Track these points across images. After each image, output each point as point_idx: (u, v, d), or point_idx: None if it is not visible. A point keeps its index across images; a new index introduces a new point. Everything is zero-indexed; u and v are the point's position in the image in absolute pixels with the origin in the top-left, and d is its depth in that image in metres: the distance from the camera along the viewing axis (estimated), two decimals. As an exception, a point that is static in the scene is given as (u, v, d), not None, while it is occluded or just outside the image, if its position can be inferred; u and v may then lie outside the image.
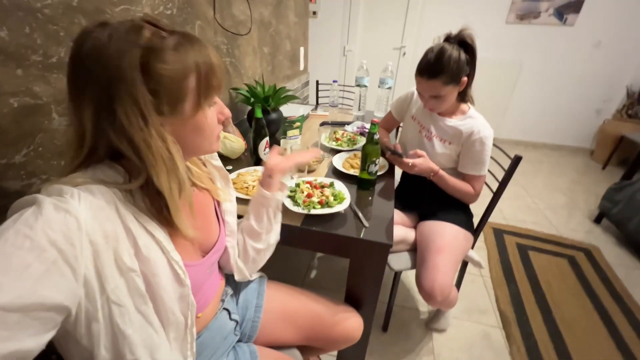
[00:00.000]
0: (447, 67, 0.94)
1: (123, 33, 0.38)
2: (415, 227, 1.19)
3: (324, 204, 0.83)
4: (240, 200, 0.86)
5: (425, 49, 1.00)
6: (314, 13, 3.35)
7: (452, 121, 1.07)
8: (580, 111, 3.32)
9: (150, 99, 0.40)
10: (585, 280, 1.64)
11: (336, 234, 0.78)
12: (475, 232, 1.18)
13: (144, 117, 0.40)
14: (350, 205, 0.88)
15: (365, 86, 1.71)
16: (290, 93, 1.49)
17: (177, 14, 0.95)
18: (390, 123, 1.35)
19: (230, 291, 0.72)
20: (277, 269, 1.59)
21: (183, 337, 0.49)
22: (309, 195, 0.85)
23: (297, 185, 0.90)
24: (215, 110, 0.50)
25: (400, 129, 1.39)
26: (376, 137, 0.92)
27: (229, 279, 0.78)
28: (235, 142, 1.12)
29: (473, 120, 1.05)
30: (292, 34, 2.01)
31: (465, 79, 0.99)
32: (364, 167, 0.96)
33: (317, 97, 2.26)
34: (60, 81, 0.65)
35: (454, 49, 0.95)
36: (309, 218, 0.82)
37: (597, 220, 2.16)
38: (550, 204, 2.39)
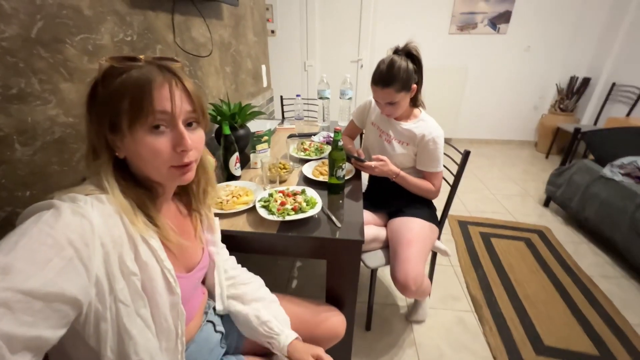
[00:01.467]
0: (398, 76, 1.05)
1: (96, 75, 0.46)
2: (385, 225, 1.27)
3: (297, 210, 0.87)
4: (216, 215, 0.88)
5: (379, 61, 1.11)
6: (273, 32, 3.46)
7: (407, 124, 1.18)
8: (520, 108, 3.70)
9: (87, 113, 0.47)
10: (541, 259, 1.81)
11: (312, 236, 0.83)
12: (440, 224, 1.28)
13: (88, 123, 0.47)
14: (322, 209, 0.94)
15: (327, 98, 1.80)
16: (255, 109, 1.54)
17: (138, 40, 0.97)
18: (353, 131, 1.44)
19: (213, 304, 0.73)
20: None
21: (174, 347, 0.51)
22: (282, 204, 0.89)
23: (271, 195, 0.94)
24: (171, 139, 0.47)
25: (363, 135, 1.48)
26: (340, 144, 0.99)
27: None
28: (207, 159, 1.14)
29: (425, 122, 1.16)
30: (252, 53, 2.07)
31: (414, 86, 1.10)
32: (332, 172, 1.02)
33: (283, 112, 2.32)
34: (21, 112, 0.65)
35: (402, 60, 1.06)
36: (284, 225, 0.86)
37: (546, 204, 2.40)
38: (505, 194, 2.61)
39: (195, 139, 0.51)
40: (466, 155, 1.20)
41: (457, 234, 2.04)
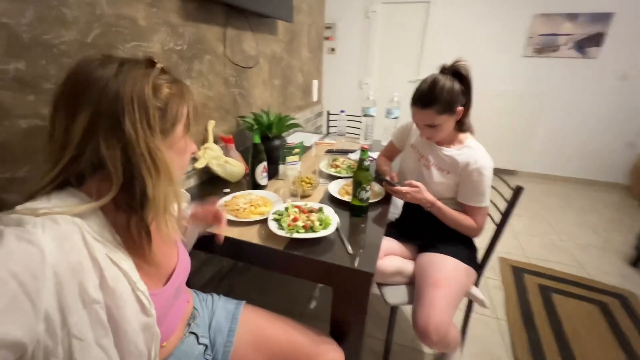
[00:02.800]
0: (440, 97, 0.95)
1: (133, 63, 0.46)
2: (414, 259, 1.13)
3: (308, 228, 0.82)
4: (229, 222, 0.88)
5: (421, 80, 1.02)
6: (333, 49, 3.55)
7: (450, 150, 1.05)
8: (610, 145, 3.13)
9: (157, 115, 0.45)
10: (619, 331, 1.44)
11: (317, 259, 0.76)
12: (480, 268, 1.10)
13: (150, 129, 0.45)
14: (337, 231, 0.87)
15: (372, 116, 1.74)
16: (297, 121, 1.55)
17: (187, 50, 1.05)
18: (392, 152, 1.35)
19: (198, 314, 0.71)
20: (275, 298, 1.55)
21: None
22: (294, 219, 0.85)
23: (286, 208, 0.91)
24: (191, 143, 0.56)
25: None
26: (366, 163, 0.92)
27: (201, 302, 0.77)
28: (236, 167, 1.16)
29: (471, 150, 1.03)
30: (305, 68, 2.13)
31: (460, 108, 0.98)
32: (355, 193, 0.95)
33: (328, 127, 2.32)
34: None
35: (447, 80, 0.96)
36: (292, 242, 0.81)
37: (634, 263, 1.94)
38: (579, 243, 2.19)
39: None
40: (517, 191, 1.02)
41: (508, 281, 1.75)
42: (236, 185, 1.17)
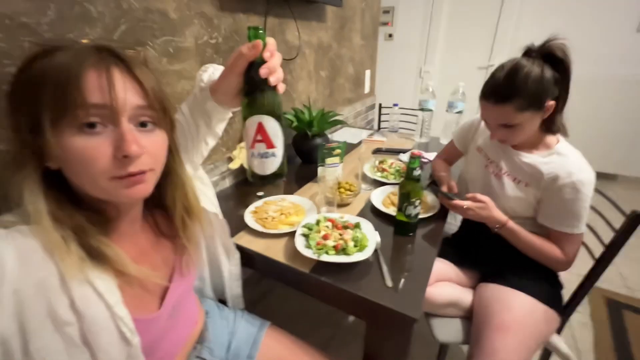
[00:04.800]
0: (523, 89, 0.72)
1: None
2: (474, 289, 0.93)
3: (339, 250, 0.70)
4: (255, 233, 0.80)
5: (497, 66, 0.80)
6: (390, 35, 3.27)
7: (531, 157, 0.82)
8: None
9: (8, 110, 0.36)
10: None
11: (347, 290, 0.64)
12: (565, 309, 0.86)
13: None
14: (376, 253, 0.73)
15: (430, 110, 1.51)
16: (342, 117, 1.42)
17: (223, 42, 0.98)
18: (452, 154, 1.13)
19: (208, 337, 0.64)
20: (304, 313, 1.45)
21: None
22: (325, 237, 0.72)
23: (318, 221, 0.79)
24: (110, 142, 0.37)
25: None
26: (416, 173, 0.75)
27: (222, 318, 0.71)
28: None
29: (562, 158, 0.78)
30: (356, 57, 1.96)
31: (552, 102, 0.74)
32: (400, 207, 0.79)
33: (380, 121, 2.12)
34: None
35: (534, 65, 0.73)
36: (320, 265, 0.70)
37: None
38: None
39: (150, 142, 0.40)
40: (634, 220, 0.74)
41: (600, 318, 1.40)
42: (272, 188, 1.08)
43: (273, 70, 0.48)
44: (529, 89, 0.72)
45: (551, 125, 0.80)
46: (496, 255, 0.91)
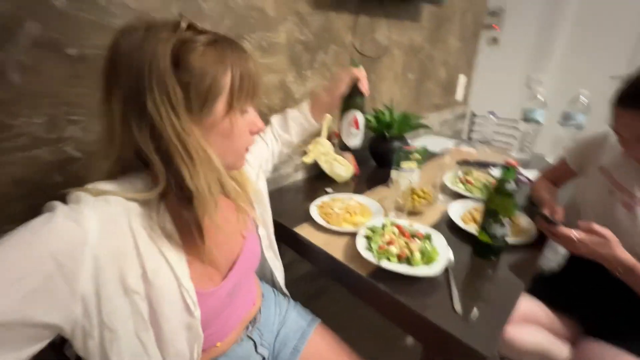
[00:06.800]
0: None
1: (159, 27, 0.38)
2: (572, 343, 0.74)
3: (403, 258, 0.63)
4: (318, 226, 0.79)
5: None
6: (494, 40, 2.92)
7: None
8: None
9: (181, 93, 0.37)
10: None
11: (405, 304, 0.57)
12: None
13: (174, 110, 0.37)
14: (446, 273, 0.64)
15: (537, 121, 1.28)
16: (426, 122, 1.31)
17: (313, 39, 1.01)
18: (562, 174, 0.93)
19: (260, 319, 0.65)
20: (359, 331, 1.38)
21: None
22: (389, 242, 0.67)
23: (384, 225, 0.74)
24: (248, 121, 0.46)
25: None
26: (509, 186, 0.63)
27: (276, 305, 0.72)
28: (343, 166, 1.07)
29: None
30: (450, 60, 1.80)
31: None
32: (483, 225, 0.68)
33: (470, 131, 1.91)
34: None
35: None
36: (379, 271, 0.64)
37: None
38: None
39: None
40: None
41: None
42: (341, 187, 1.07)
43: (367, 87, 0.77)
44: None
45: None
46: (610, 305, 0.71)
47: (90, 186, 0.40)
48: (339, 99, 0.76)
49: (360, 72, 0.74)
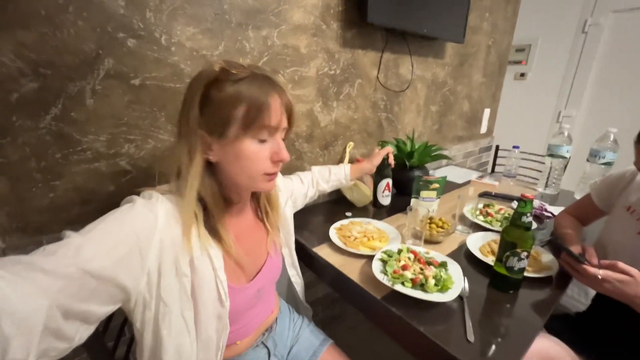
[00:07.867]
0: None
1: (203, 71, 0.48)
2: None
3: (417, 284, 0.65)
4: (336, 247, 0.83)
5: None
6: (522, 75, 2.93)
7: None
8: None
9: (197, 113, 0.46)
10: None
11: (417, 329, 0.58)
12: None
13: (188, 124, 0.47)
14: (460, 302, 0.64)
15: (563, 157, 1.27)
16: (447, 153, 1.33)
17: (340, 74, 1.09)
18: (588, 211, 0.91)
19: (276, 328, 0.68)
20: (371, 341, 1.35)
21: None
22: (404, 267, 0.69)
23: (400, 251, 0.76)
24: (270, 149, 0.51)
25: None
26: (526, 219, 0.64)
27: (291, 321, 0.75)
28: (363, 191, 1.11)
29: None
30: (474, 94, 1.84)
31: None
32: (500, 257, 0.68)
33: (494, 164, 1.89)
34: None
35: None
36: (393, 295, 0.66)
37: None
38: None
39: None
40: None
41: None
42: (360, 211, 1.10)
43: (392, 159, 1.05)
44: None
45: None
46: (635, 347, 0.66)
47: (159, 187, 0.50)
48: (375, 167, 1.02)
49: (390, 149, 1.03)
